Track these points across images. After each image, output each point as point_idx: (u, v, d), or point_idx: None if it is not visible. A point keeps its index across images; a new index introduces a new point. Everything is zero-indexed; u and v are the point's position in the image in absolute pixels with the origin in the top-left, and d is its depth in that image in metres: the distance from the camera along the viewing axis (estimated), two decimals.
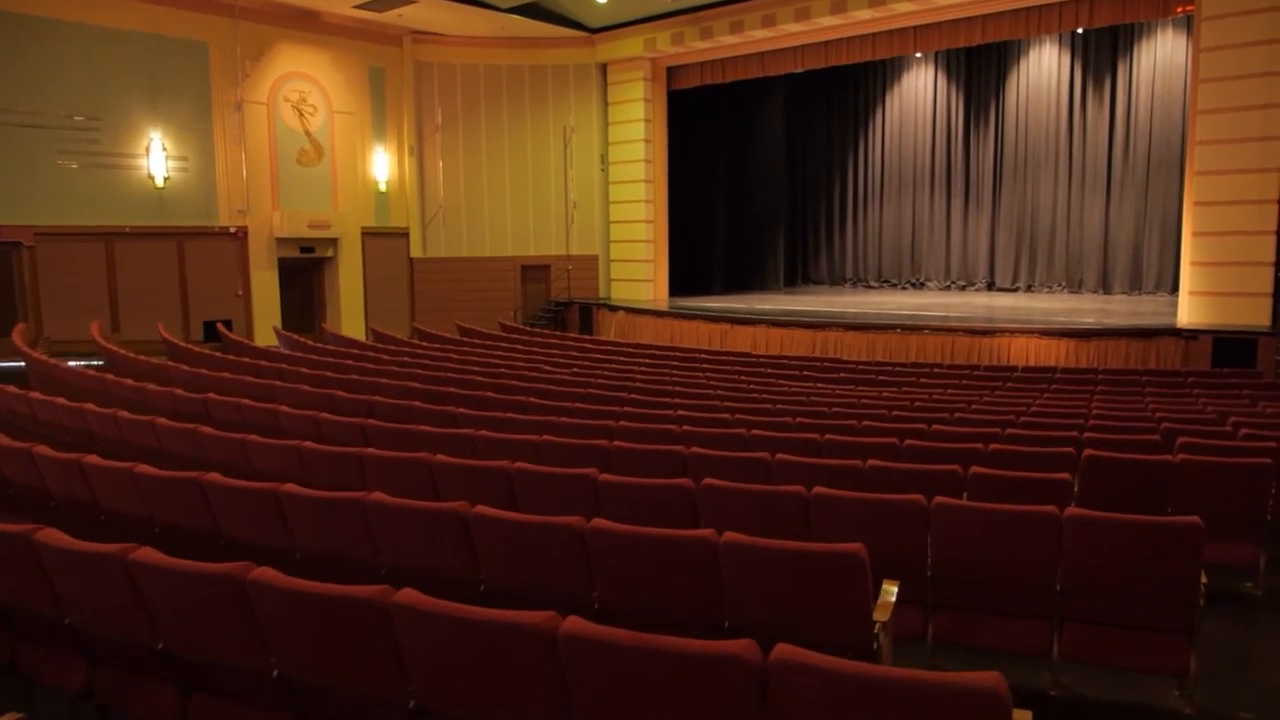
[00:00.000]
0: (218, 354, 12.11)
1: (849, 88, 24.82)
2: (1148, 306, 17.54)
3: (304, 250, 18.99)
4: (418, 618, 2.41)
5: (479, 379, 8.99)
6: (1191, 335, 12.90)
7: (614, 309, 19.86)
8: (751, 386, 9.29)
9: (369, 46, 19.74)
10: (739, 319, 16.46)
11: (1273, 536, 6.08)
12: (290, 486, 3.72)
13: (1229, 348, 12.57)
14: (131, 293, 16.61)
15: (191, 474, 3.80)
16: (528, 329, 17.59)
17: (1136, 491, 4.85)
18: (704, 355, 12.75)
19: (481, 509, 3.26)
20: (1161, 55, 19.62)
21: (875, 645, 2.82)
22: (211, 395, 6.88)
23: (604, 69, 21.23)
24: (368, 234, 20.05)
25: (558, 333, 17.77)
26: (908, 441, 5.24)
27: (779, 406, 7.36)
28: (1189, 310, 13.82)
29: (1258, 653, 4.42)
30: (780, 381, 10.01)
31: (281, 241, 18.54)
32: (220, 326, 14.91)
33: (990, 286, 22.91)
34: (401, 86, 20.36)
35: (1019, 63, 21.91)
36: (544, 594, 3.25)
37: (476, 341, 14.54)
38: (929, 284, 23.91)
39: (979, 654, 3.56)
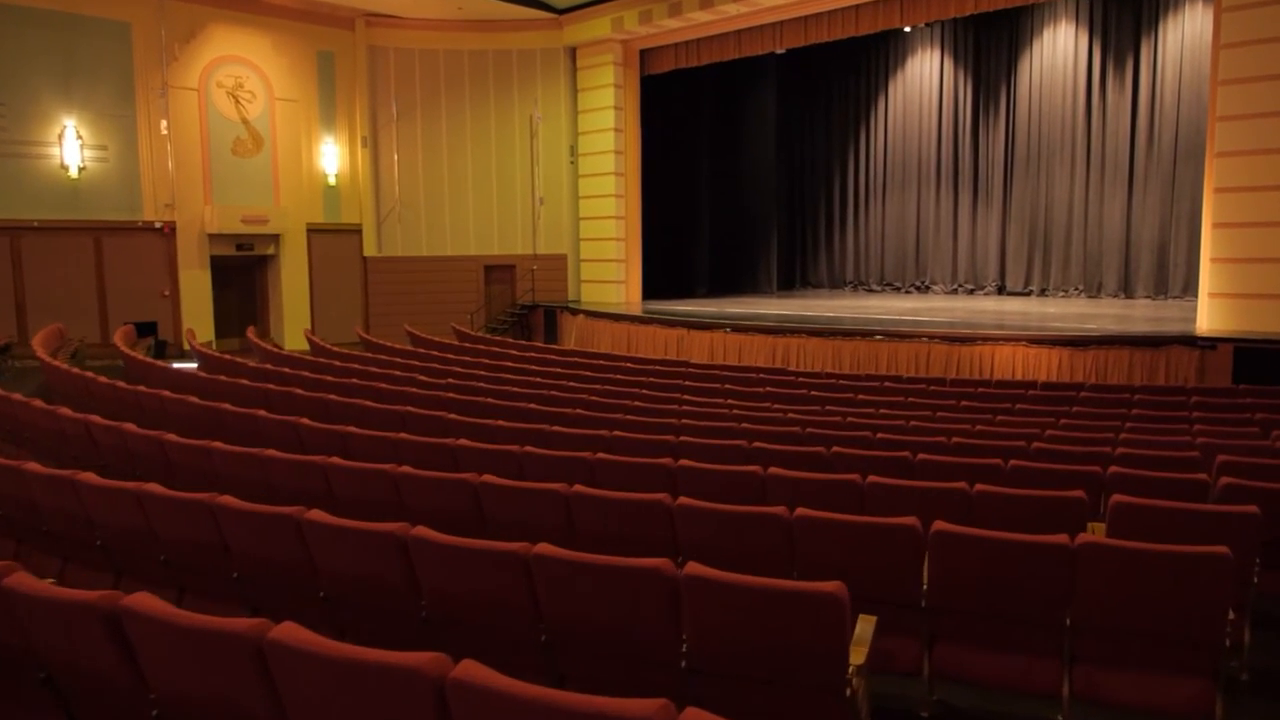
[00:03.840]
0: (121, 384, 8.77)
1: (848, 74, 22.91)
2: (1173, 312, 15.44)
3: (240, 248, 17.59)
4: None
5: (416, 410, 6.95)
6: (1208, 345, 10.88)
7: (575, 312, 18.20)
8: (637, 404, 7.57)
9: (316, 29, 18.32)
10: (697, 324, 14.70)
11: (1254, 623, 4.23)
12: None
13: (1253, 360, 10.54)
14: (41, 293, 15.31)
15: None
16: (481, 336, 15.93)
17: (1015, 588, 3.05)
18: (628, 364, 11.02)
19: None
20: (1190, 31, 17.49)
21: None
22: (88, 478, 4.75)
23: (573, 53, 19.61)
24: (314, 231, 18.61)
25: (509, 340, 16.18)
26: (681, 501, 3.50)
27: (614, 434, 5.63)
28: (1209, 315, 11.78)
29: None
30: (686, 396, 8.27)
31: (215, 238, 17.15)
32: (119, 340, 12.93)
33: (1000, 290, 20.85)
34: (354, 73, 18.91)
35: (1031, 43, 19.87)
36: None
37: (434, 353, 12.67)
38: (934, 287, 21.90)
39: None
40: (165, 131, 16.34)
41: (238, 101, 17.34)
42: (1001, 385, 9.44)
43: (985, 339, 11.82)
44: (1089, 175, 19.26)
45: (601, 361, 11.34)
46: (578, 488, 3.68)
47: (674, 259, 21.66)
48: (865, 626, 2.64)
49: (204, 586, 3.79)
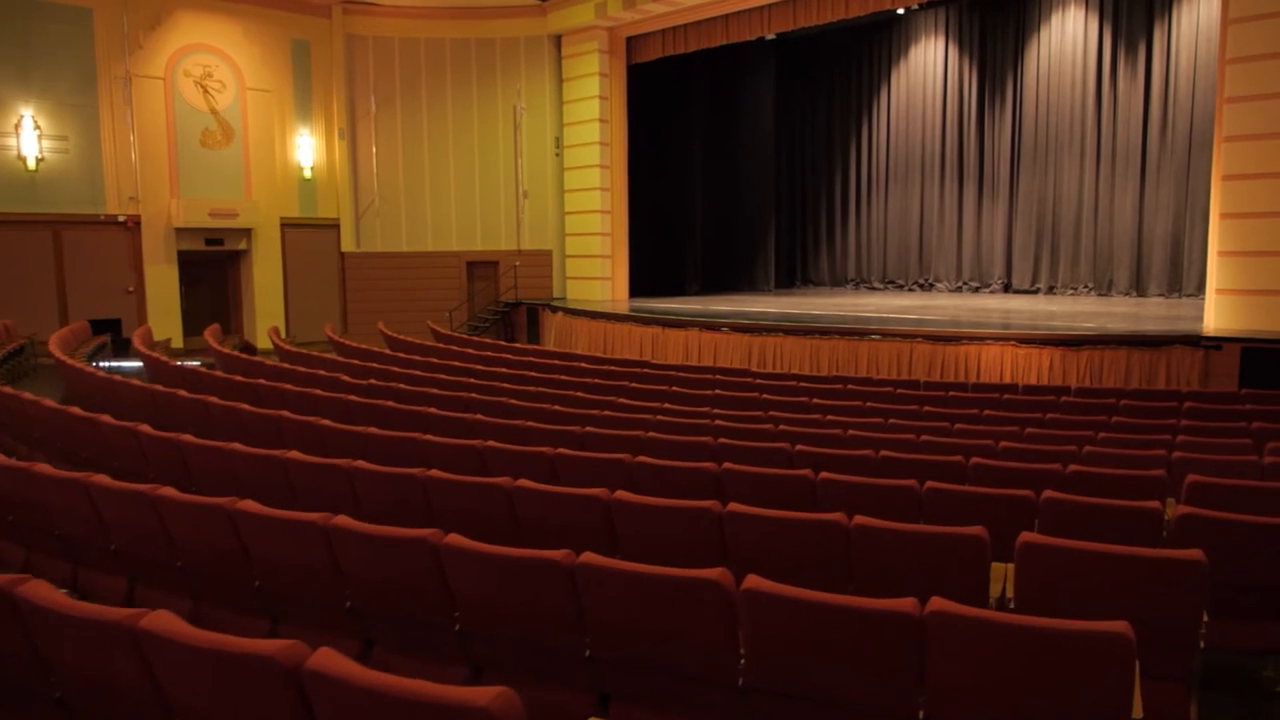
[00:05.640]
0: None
1: (850, 64, 22.02)
2: (1186, 310, 14.48)
3: (210, 242, 17.01)
4: None
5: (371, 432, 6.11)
6: (1213, 345, 9.96)
7: (555, 310, 17.47)
8: (556, 409, 6.83)
9: (290, 17, 17.71)
10: (673, 322, 13.93)
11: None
12: None
13: (1262, 362, 9.62)
14: None
15: None
16: (454, 336, 15.23)
17: (852, 669, 2.27)
18: (583, 364, 10.28)
19: None
20: (1205, 14, 16.46)
21: None
22: None
23: (557, 41, 18.88)
24: (289, 225, 18.00)
25: (476, 339, 15.49)
26: (448, 539, 2.75)
27: (486, 444, 4.89)
28: (1217, 313, 10.86)
29: None
30: (621, 399, 7.51)
31: (182, 232, 16.58)
32: (54, 342, 11.83)
33: (1007, 288, 19.89)
34: (330, 62, 18.29)
35: (1039, 30, 18.90)
36: None
37: (387, 353, 11.95)
38: (938, 285, 20.96)
39: None
40: (129, 122, 15.79)
41: (206, 91, 16.76)
42: (979, 389, 8.61)
43: (971, 339, 10.96)
44: (1099, 167, 18.27)
45: (556, 361, 10.63)
46: (340, 519, 2.94)
47: (665, 255, 20.88)
48: None
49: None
